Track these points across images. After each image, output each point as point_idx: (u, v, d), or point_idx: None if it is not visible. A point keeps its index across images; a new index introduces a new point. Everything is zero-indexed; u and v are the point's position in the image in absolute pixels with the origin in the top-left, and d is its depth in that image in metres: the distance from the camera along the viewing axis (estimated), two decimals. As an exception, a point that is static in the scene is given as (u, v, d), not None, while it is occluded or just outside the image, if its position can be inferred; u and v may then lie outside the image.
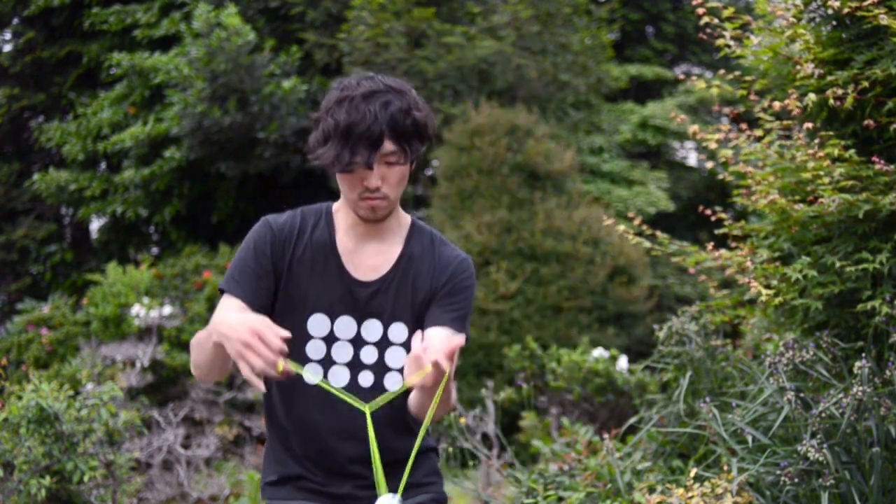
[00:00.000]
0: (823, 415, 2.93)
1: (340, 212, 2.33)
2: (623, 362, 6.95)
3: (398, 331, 2.27)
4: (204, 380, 2.26)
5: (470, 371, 8.39)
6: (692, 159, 14.59)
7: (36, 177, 12.27)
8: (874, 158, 3.24)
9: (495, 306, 8.58)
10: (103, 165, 12.99)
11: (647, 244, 4.30)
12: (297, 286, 2.26)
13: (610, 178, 12.09)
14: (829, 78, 3.38)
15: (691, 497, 3.08)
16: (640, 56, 15.19)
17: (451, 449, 5.05)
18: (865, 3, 3.23)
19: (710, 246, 3.89)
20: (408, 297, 2.28)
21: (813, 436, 2.94)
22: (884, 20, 3.16)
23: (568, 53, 11.71)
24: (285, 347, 1.96)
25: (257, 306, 2.21)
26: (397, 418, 2.28)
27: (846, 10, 3.34)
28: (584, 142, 12.33)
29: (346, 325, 2.27)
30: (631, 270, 9.20)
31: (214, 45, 10.27)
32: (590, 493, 3.71)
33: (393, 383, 2.27)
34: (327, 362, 2.26)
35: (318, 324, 2.26)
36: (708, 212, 4.10)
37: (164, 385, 8.80)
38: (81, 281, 12.29)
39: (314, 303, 2.26)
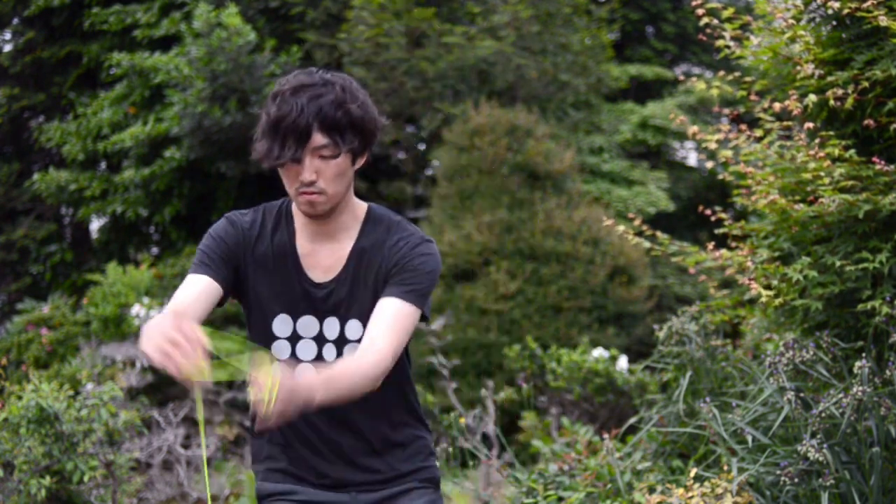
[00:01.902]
0: (823, 415, 2.94)
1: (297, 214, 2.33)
2: (623, 362, 6.94)
3: (354, 328, 2.28)
4: None
5: (470, 371, 8.38)
6: (692, 159, 14.59)
7: (36, 177, 12.26)
8: (874, 158, 3.24)
9: (495, 306, 8.58)
10: (103, 165, 12.98)
11: (647, 244, 4.30)
12: (262, 287, 2.28)
13: (610, 178, 12.08)
14: (830, 78, 3.38)
15: (691, 497, 3.08)
16: (640, 56, 15.18)
17: (451, 449, 5.05)
18: (865, 4, 3.24)
19: (710, 246, 3.89)
20: (361, 293, 2.27)
21: (813, 436, 2.94)
22: (884, 21, 3.16)
23: (568, 53, 11.71)
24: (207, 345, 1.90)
25: (223, 283, 2.22)
26: (385, 409, 2.32)
27: (846, 11, 3.35)
28: (584, 142, 12.33)
29: (308, 324, 2.29)
30: (631, 270, 9.20)
31: (215, 45, 10.27)
32: (590, 493, 3.71)
33: None
34: (294, 361, 2.28)
35: (282, 324, 2.29)
36: (708, 212, 4.10)
37: (164, 385, 8.79)
38: (81, 281, 12.29)
39: (278, 303, 2.28)
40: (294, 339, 2.30)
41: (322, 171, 2.16)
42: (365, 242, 2.28)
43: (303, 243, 2.30)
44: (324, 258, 2.30)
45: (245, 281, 2.30)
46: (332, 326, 2.29)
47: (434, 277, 2.26)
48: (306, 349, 2.30)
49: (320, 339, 2.29)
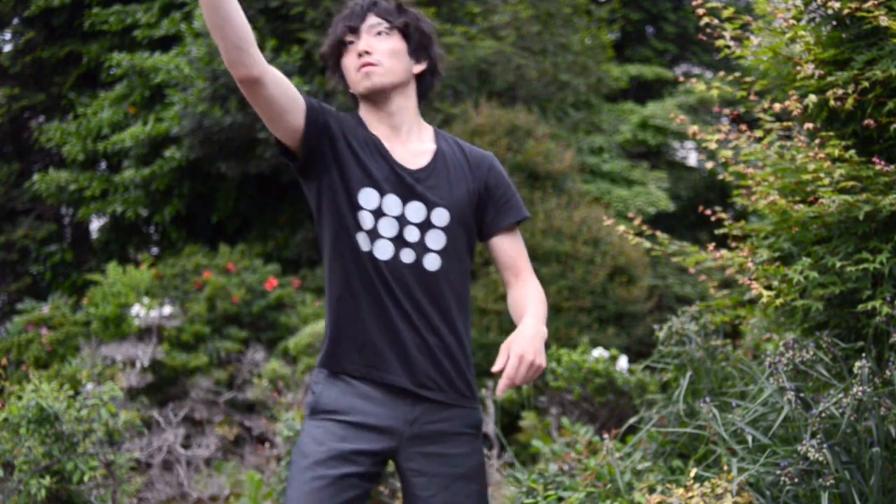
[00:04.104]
0: (823, 415, 2.94)
1: (365, 116, 2.59)
2: (623, 362, 6.94)
3: (440, 215, 2.51)
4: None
5: (470, 371, 8.38)
6: (692, 159, 14.59)
7: (36, 177, 12.25)
8: (874, 159, 3.24)
9: (495, 306, 8.58)
10: (103, 165, 12.97)
11: (647, 244, 4.30)
12: (349, 164, 2.49)
13: (610, 178, 12.08)
14: (830, 78, 3.39)
15: (691, 497, 3.08)
16: (641, 56, 15.19)
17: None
18: (866, 4, 3.24)
19: (710, 246, 3.90)
20: (448, 187, 2.54)
21: (813, 436, 2.94)
22: (884, 21, 3.16)
23: (568, 53, 11.71)
24: None
25: (308, 120, 2.44)
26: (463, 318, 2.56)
27: (846, 11, 3.35)
28: (584, 142, 12.32)
29: (392, 203, 2.48)
30: (631, 270, 9.19)
31: (215, 45, 10.25)
32: (590, 493, 3.71)
33: (431, 263, 2.48)
34: (374, 234, 2.46)
35: (367, 197, 2.48)
36: (708, 212, 4.10)
37: (164, 385, 8.80)
38: (81, 281, 12.29)
39: (365, 178, 2.48)
40: (378, 213, 2.48)
41: (375, 47, 2.49)
42: (445, 148, 2.60)
43: (380, 132, 2.55)
44: (407, 149, 2.55)
45: (336, 157, 2.48)
46: (416, 210, 2.49)
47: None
48: (388, 226, 2.47)
49: (402, 220, 2.48)
